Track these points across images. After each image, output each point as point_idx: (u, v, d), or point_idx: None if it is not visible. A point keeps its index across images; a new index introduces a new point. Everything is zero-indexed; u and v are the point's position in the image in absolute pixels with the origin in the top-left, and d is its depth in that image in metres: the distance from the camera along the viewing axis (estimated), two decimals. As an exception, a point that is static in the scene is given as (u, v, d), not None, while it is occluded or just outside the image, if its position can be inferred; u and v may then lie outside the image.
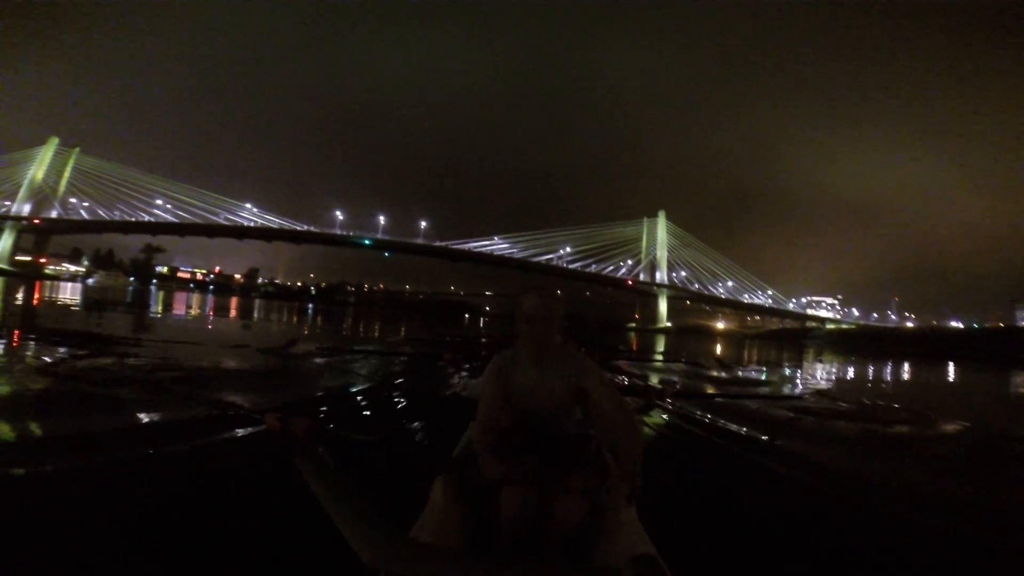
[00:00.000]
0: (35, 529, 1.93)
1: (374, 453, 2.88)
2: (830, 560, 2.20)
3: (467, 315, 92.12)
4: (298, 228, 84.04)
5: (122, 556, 1.80)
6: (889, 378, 14.81)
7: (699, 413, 5.33)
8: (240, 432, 3.23)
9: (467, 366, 6.81)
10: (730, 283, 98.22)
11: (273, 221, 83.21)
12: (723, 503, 2.81)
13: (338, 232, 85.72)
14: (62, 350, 6.41)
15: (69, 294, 24.92)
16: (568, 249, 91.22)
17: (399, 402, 5.16)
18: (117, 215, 78.43)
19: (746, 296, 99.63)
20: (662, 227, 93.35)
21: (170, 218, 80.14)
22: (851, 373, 15.68)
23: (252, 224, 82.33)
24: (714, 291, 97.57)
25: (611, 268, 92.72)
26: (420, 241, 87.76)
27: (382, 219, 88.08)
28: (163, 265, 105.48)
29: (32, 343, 7.30)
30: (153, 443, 2.98)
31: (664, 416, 5.02)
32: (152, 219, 79.66)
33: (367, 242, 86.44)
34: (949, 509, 2.97)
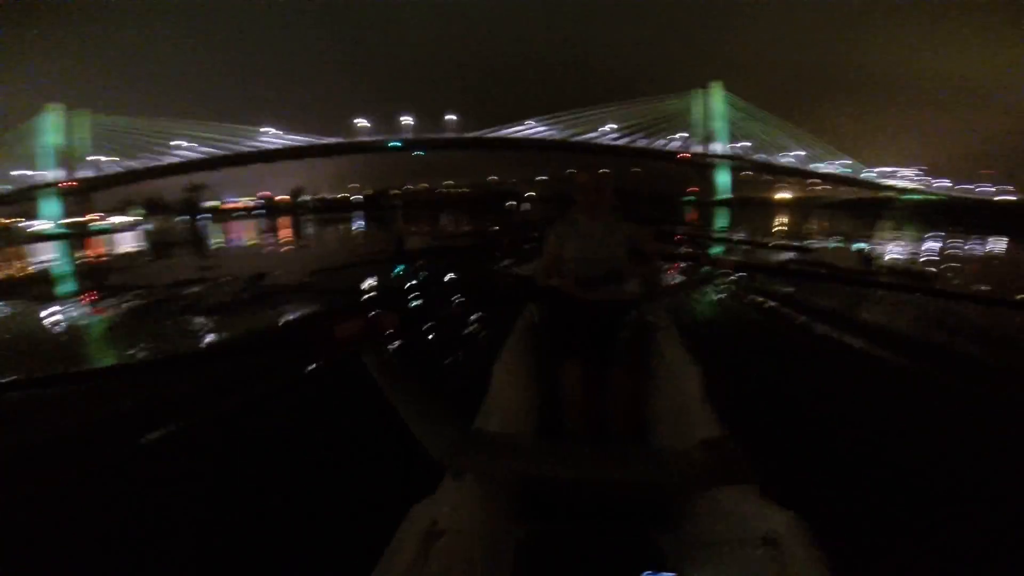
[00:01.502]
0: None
1: (441, 338, 3.03)
2: (912, 442, 2.14)
3: (514, 202, 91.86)
4: (323, 142, 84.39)
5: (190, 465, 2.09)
6: (977, 254, 13.03)
7: (762, 285, 5.14)
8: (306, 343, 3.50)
9: (526, 247, 6.85)
10: (800, 152, 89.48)
11: (298, 139, 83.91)
12: (792, 380, 2.77)
13: (366, 139, 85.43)
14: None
15: (130, 243, 26.61)
16: (613, 126, 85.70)
17: (456, 292, 5.35)
18: (144, 163, 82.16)
19: (817, 165, 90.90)
20: (718, 98, 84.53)
21: (195, 155, 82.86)
22: (933, 248, 13.87)
23: (276, 146, 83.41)
24: (779, 160, 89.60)
25: (664, 142, 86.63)
26: (450, 135, 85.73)
27: (410, 120, 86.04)
28: (210, 200, 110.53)
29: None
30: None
31: (725, 288, 4.89)
32: (179, 159, 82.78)
33: (397, 144, 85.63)
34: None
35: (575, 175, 2.08)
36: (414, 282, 6.07)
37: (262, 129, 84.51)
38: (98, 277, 11.21)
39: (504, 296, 3.58)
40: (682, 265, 5.85)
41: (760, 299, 4.60)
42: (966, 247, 12.92)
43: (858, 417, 2.31)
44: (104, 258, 17.08)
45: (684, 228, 16.11)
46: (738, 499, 1.07)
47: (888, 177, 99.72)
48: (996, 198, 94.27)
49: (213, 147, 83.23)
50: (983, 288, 6.19)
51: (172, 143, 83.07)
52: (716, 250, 8.69)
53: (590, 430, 1.66)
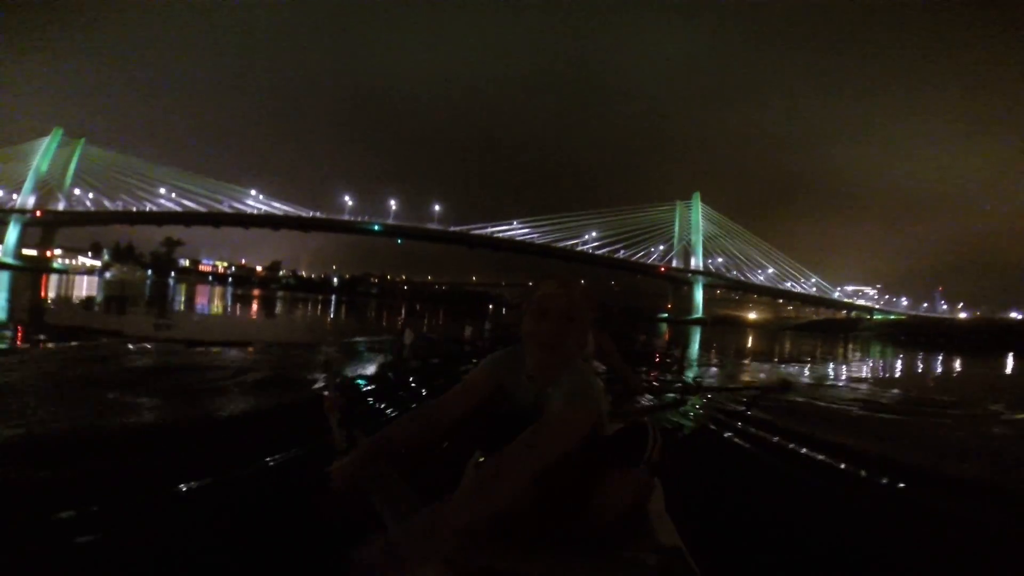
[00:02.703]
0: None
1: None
2: (864, 559, 2.20)
3: (491, 306, 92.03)
4: (304, 215, 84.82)
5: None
6: (944, 371, 14.25)
7: (734, 407, 5.33)
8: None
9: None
10: (770, 270, 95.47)
11: (279, 208, 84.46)
12: (754, 499, 2.84)
13: (347, 218, 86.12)
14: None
15: (85, 289, 25.83)
16: (594, 234, 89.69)
17: (428, 389, 5.34)
18: (120, 205, 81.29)
19: (788, 284, 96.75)
20: (697, 209, 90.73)
21: (174, 207, 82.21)
22: (904, 367, 15.08)
23: (257, 212, 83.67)
24: (753, 279, 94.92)
25: (641, 254, 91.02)
26: (434, 226, 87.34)
27: (393, 204, 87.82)
28: (185, 258, 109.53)
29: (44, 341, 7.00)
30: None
31: (697, 410, 5.05)
32: (156, 208, 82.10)
33: (377, 227, 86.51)
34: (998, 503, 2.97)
35: (534, 287, 1.46)
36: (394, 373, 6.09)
37: (249, 191, 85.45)
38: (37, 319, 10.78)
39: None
40: (653, 385, 6.10)
41: (725, 420, 4.78)
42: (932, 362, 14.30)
43: (812, 531, 2.38)
44: (50, 301, 16.41)
45: (658, 346, 16.61)
46: None
47: (854, 296, 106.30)
48: (959, 316, 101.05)
49: (194, 201, 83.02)
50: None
51: (153, 189, 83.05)
52: (688, 371, 9.02)
53: (547, 531, 1.69)
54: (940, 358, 18.04)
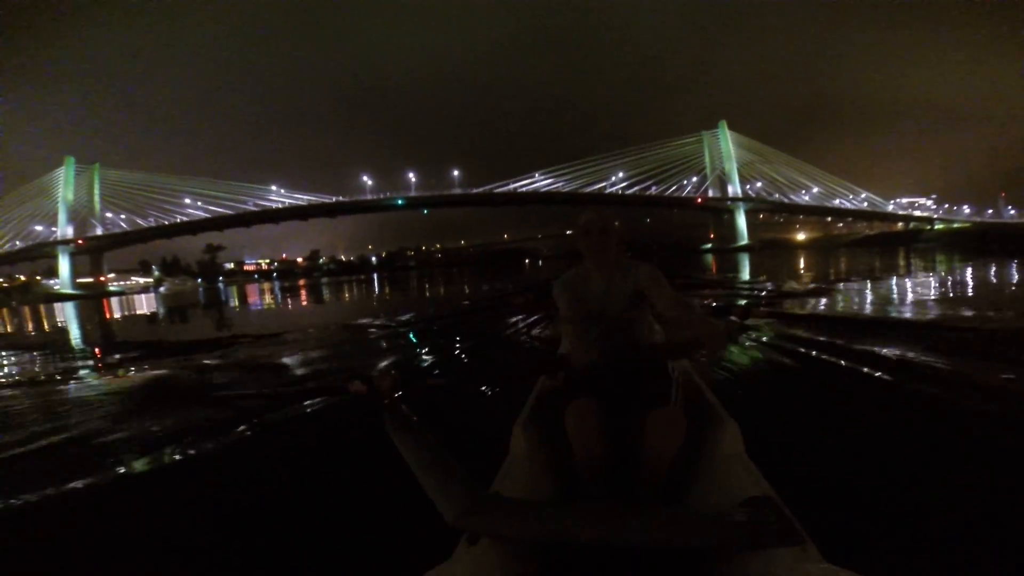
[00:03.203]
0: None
1: (454, 406, 3.03)
2: (957, 487, 2.00)
3: (527, 260, 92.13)
4: (328, 200, 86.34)
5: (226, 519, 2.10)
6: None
7: (798, 332, 5.02)
8: (328, 401, 3.52)
9: (540, 308, 6.87)
10: (815, 189, 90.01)
11: (302, 199, 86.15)
12: (836, 429, 2.64)
13: (370, 197, 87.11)
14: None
15: (145, 306, 27.52)
16: (621, 175, 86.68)
17: (473, 354, 5.35)
18: (152, 221, 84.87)
19: (836, 202, 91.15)
20: (725, 138, 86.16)
21: (202, 214, 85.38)
22: (974, 279, 13.34)
23: (282, 206, 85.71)
24: (797, 200, 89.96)
25: (674, 188, 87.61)
26: (457, 191, 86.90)
27: (413, 177, 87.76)
28: (229, 262, 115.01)
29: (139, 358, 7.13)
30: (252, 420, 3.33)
31: (759, 339, 4.79)
32: (186, 219, 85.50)
33: (400, 202, 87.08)
34: None
35: (577, 218, 1.93)
36: (428, 344, 6.12)
37: (268, 188, 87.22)
38: (113, 338, 11.50)
39: (523, 364, 3.60)
40: (708, 313, 5.80)
41: (794, 348, 4.48)
42: (1007, 274, 12.56)
43: (918, 469, 2.16)
44: (119, 320, 17.58)
45: (707, 276, 16.00)
46: (793, 561, 1.00)
47: (909, 208, 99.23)
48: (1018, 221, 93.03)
49: (220, 206, 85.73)
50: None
51: (180, 200, 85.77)
52: (741, 301, 8.56)
53: (615, 490, 1.58)
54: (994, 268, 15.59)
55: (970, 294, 9.00)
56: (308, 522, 2.02)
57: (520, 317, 7.11)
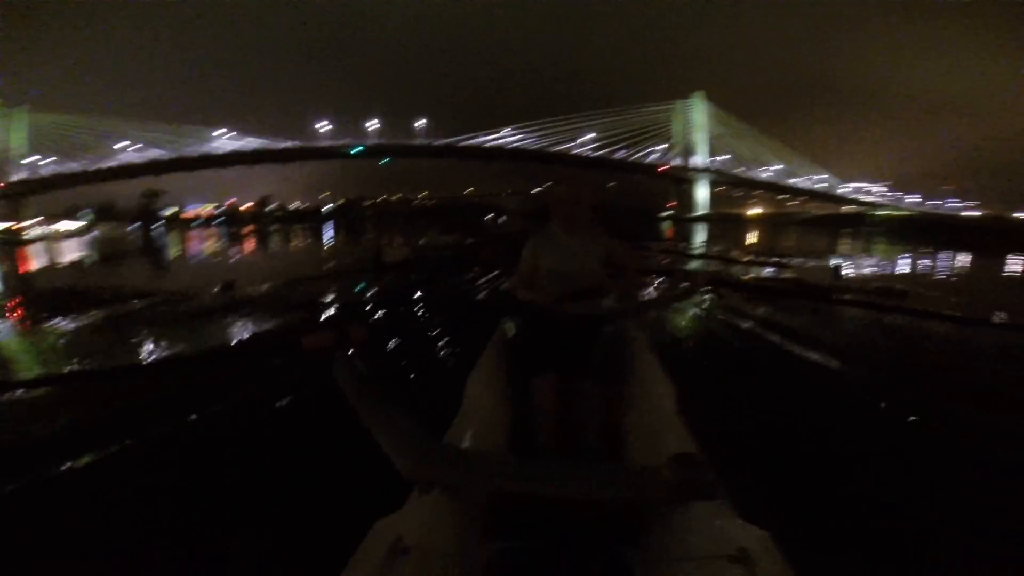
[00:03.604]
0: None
1: (413, 353, 3.07)
2: (863, 456, 2.24)
3: (490, 215, 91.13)
4: (280, 146, 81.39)
5: (167, 473, 2.10)
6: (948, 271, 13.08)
7: (737, 302, 5.31)
8: (276, 353, 3.47)
9: (502, 261, 6.92)
10: (780, 166, 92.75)
11: (251, 142, 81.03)
12: (765, 398, 2.86)
13: (325, 144, 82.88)
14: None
15: (73, 253, 25.42)
16: (591, 136, 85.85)
17: (432, 305, 5.33)
18: (81, 165, 78.03)
19: (795, 180, 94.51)
20: (699, 108, 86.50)
21: (138, 159, 79.28)
22: (908, 266, 13.80)
23: (227, 151, 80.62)
24: (757, 175, 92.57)
25: (641, 153, 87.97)
26: (419, 142, 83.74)
27: (376, 123, 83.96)
28: (171, 207, 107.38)
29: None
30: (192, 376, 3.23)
31: (703, 306, 5.03)
32: (123, 163, 79.19)
33: (360, 149, 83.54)
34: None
35: (552, 187, 2.08)
36: (387, 295, 6.02)
37: (215, 131, 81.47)
38: (28, 289, 10.55)
39: (480, 310, 3.65)
40: (660, 281, 6.01)
41: (735, 319, 4.75)
42: (938, 263, 13.59)
43: (830, 437, 2.40)
44: (37, 269, 16.16)
45: (663, 244, 16.47)
46: (709, 516, 1.09)
47: (861, 193, 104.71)
48: (963, 213, 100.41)
49: (162, 149, 79.80)
50: (952, 306, 6.42)
51: (117, 144, 79.29)
52: (694, 266, 8.94)
53: (563, 446, 1.69)
54: (945, 257, 16.70)
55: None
56: (261, 475, 2.03)
57: (482, 272, 7.10)
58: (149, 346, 4.25)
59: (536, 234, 2.10)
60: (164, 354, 4.06)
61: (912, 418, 2.83)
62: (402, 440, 1.25)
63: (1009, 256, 16.15)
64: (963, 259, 15.34)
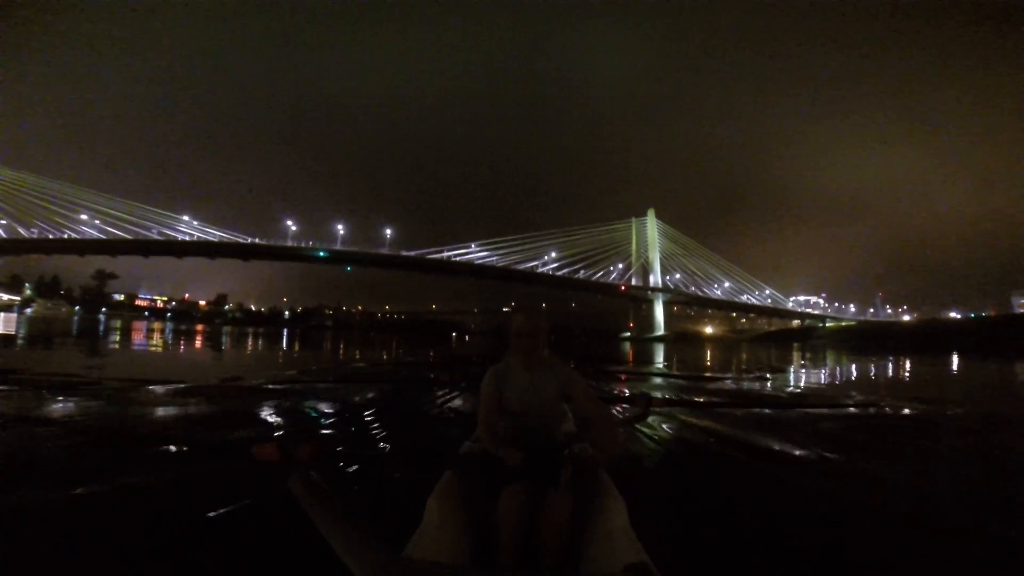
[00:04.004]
0: None
1: (368, 472, 2.98)
2: (825, 563, 2.30)
3: (453, 333, 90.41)
4: (242, 241, 79.00)
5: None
6: (898, 373, 15.09)
7: (695, 420, 5.49)
8: (223, 465, 3.27)
9: (463, 384, 6.97)
10: (727, 284, 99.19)
11: (214, 234, 78.39)
12: (717, 510, 2.93)
13: (290, 244, 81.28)
14: None
15: (1, 326, 23.80)
16: (554, 254, 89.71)
17: (392, 423, 5.20)
18: (36, 233, 73.13)
19: (744, 297, 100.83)
20: (652, 226, 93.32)
21: (96, 234, 74.68)
22: (863, 371, 15.89)
23: (189, 239, 77.34)
24: (710, 293, 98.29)
25: (601, 273, 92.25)
26: (385, 251, 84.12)
27: (341, 229, 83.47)
28: (120, 293, 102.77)
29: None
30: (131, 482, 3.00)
31: (659, 424, 5.18)
32: (75, 236, 74.22)
33: (322, 254, 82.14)
34: (960, 506, 3.11)
35: (510, 319, 2.22)
36: (343, 409, 5.88)
37: (181, 217, 78.75)
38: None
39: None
40: (621, 405, 6.19)
41: (689, 435, 4.93)
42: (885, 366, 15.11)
43: (779, 542, 2.46)
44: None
45: (623, 367, 16.92)
46: None
47: (805, 306, 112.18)
48: (902, 319, 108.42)
49: (120, 229, 75.50)
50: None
51: (75, 215, 74.94)
52: (652, 387, 9.23)
53: (523, 558, 1.70)
54: (891, 361, 19.04)
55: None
56: None
57: (442, 391, 7.07)
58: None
59: (495, 367, 2.23)
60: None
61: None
62: (361, 551, 1.27)
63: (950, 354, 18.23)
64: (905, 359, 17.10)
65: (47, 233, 74.07)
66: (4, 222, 73.64)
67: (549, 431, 2.13)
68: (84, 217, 75.73)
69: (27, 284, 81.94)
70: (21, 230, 73.62)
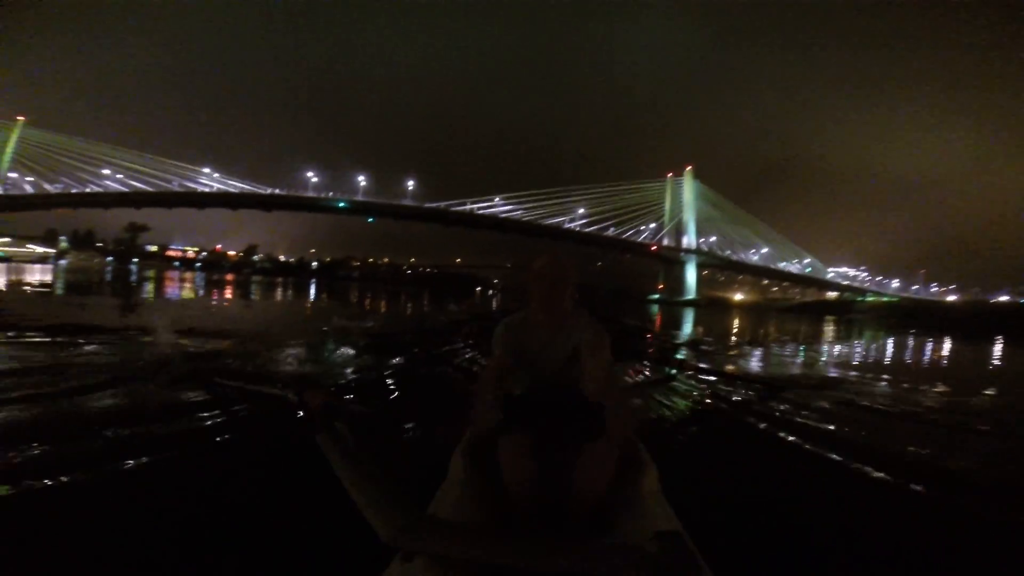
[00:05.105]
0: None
1: (392, 428, 3.07)
2: (853, 538, 2.31)
3: (478, 288, 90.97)
4: (262, 191, 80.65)
5: (149, 540, 1.99)
6: (936, 355, 14.19)
7: (723, 388, 5.43)
8: (249, 410, 3.42)
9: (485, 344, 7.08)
10: (765, 250, 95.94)
11: (234, 186, 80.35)
12: (749, 479, 2.96)
13: (310, 195, 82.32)
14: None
15: (38, 276, 25.27)
16: (582, 211, 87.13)
17: (416, 379, 5.32)
18: (60, 188, 76.85)
19: (782, 264, 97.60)
20: (689, 185, 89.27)
21: (120, 188, 78.02)
22: (899, 350, 14.89)
23: (210, 190, 79.66)
24: (746, 258, 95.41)
25: (631, 232, 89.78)
26: (408, 202, 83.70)
27: (363, 180, 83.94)
28: (153, 244, 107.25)
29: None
30: (171, 429, 3.16)
31: (686, 391, 5.15)
32: (99, 190, 77.65)
33: (342, 204, 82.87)
34: (984, 491, 3.06)
35: (532, 263, 1.93)
36: (371, 360, 6.03)
37: (202, 169, 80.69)
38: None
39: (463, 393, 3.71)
40: (644, 366, 6.15)
41: (717, 404, 4.89)
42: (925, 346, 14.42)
43: (811, 519, 2.47)
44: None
45: (650, 329, 16.79)
46: None
47: (846, 278, 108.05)
48: (946, 299, 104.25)
49: (142, 182, 78.46)
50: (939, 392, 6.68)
51: (100, 171, 77.95)
52: (678, 353, 9.15)
53: (548, 521, 1.71)
54: (937, 344, 17.77)
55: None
56: (235, 542, 1.97)
57: (462, 343, 7.20)
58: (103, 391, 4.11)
59: (512, 316, 2.00)
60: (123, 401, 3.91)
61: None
62: (385, 507, 1.28)
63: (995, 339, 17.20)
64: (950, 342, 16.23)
65: (71, 188, 77.40)
66: (31, 179, 77.28)
67: (572, 389, 1.89)
68: (107, 172, 78.78)
69: (62, 237, 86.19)
70: (47, 186, 77.21)
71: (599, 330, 1.85)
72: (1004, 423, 5.00)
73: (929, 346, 16.83)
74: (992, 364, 12.72)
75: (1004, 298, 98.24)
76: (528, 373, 1.93)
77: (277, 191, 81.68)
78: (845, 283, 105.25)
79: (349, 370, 5.56)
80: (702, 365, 7.14)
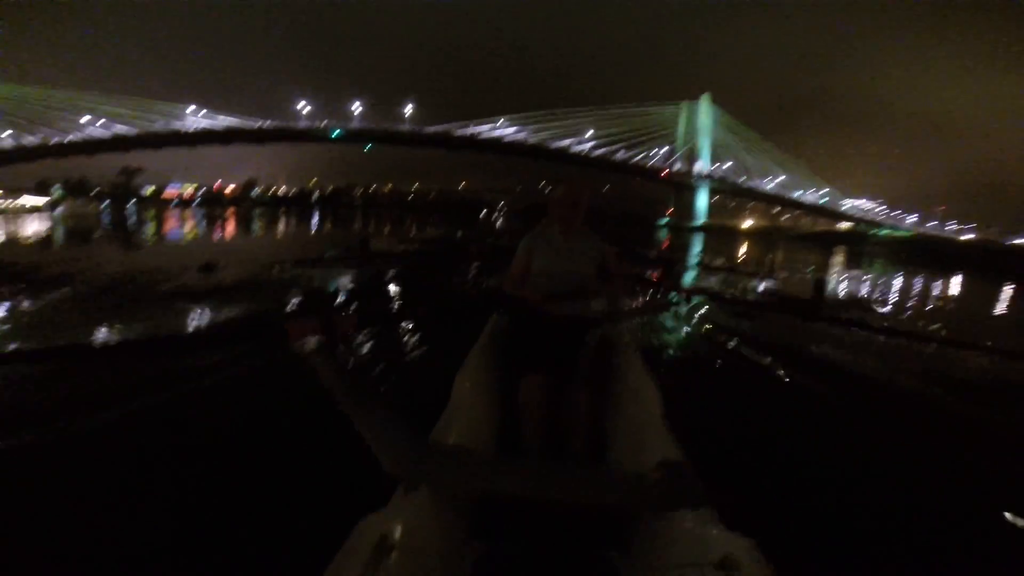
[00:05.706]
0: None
1: (397, 346, 3.09)
2: (845, 469, 2.36)
3: (484, 212, 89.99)
4: (254, 125, 79.06)
5: (148, 469, 2.08)
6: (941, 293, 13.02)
7: (725, 316, 5.42)
8: (255, 341, 3.45)
9: (494, 259, 7.08)
10: (782, 177, 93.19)
11: (221, 121, 79.15)
12: (747, 409, 2.98)
13: (302, 125, 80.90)
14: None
15: (36, 228, 25.10)
16: (590, 133, 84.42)
17: (421, 298, 5.34)
18: (39, 139, 76.50)
19: (797, 193, 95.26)
20: (705, 110, 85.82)
21: (102, 134, 77.54)
22: (907, 287, 13.82)
23: (196, 129, 78.71)
24: (760, 185, 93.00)
25: (641, 156, 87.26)
26: (406, 128, 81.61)
27: (359, 106, 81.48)
28: (151, 185, 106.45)
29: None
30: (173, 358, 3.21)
31: (689, 316, 5.13)
32: (81, 137, 77.32)
33: (339, 132, 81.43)
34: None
35: (551, 189, 2.25)
36: (374, 286, 6.03)
37: (186, 108, 79.41)
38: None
39: (470, 305, 3.70)
40: (649, 289, 6.10)
41: (722, 333, 4.88)
42: (932, 285, 13.98)
43: (813, 449, 2.52)
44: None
45: (657, 252, 16.62)
46: (695, 523, 1.14)
47: (860, 211, 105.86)
48: (961, 237, 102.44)
49: (128, 125, 77.90)
50: (936, 329, 6.65)
51: (79, 119, 77.33)
52: (685, 277, 9.09)
53: (550, 447, 1.73)
54: (941, 282, 16.30)
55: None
56: (242, 470, 2.04)
57: (473, 268, 7.19)
58: (121, 327, 4.21)
59: (531, 233, 2.28)
60: (135, 336, 4.00)
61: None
62: (387, 436, 1.26)
63: (1006, 283, 16.62)
64: (959, 283, 15.72)
65: (51, 138, 76.54)
66: (9, 131, 76.05)
67: (582, 299, 2.14)
68: (88, 118, 77.60)
69: (55, 187, 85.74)
70: (29, 137, 76.31)
71: (605, 244, 2.25)
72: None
73: (938, 285, 15.35)
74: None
75: (1020, 240, 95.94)
76: (545, 282, 2.14)
77: (267, 124, 79.94)
78: (859, 215, 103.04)
79: (355, 292, 5.57)
80: (704, 288, 7.08)
